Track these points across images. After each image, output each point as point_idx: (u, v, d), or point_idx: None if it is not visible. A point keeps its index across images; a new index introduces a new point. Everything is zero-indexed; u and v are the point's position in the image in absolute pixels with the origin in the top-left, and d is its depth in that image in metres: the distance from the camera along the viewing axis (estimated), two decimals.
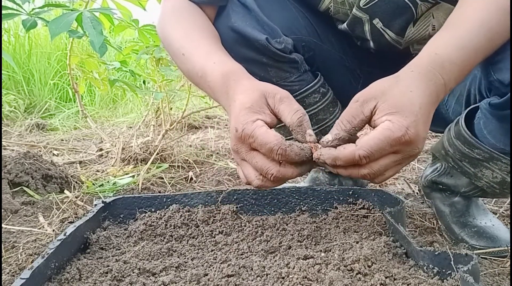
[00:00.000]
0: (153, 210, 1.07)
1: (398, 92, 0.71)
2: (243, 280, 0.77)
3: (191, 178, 1.64)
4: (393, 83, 0.72)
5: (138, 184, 1.48)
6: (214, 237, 0.97)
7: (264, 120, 0.76)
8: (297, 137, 0.77)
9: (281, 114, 0.77)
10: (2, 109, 2.86)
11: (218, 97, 0.86)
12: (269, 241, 0.93)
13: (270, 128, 0.76)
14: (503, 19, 0.76)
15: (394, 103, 0.70)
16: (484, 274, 0.91)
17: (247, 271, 0.80)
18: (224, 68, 0.85)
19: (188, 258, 0.87)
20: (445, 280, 0.73)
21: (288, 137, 0.81)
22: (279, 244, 0.91)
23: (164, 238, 0.97)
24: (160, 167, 1.70)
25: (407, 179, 1.58)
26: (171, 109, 2.24)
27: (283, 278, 0.76)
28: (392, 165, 0.72)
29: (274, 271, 0.78)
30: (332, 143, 0.74)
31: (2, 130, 2.53)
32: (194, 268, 0.81)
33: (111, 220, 1.05)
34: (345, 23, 1.07)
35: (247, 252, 0.89)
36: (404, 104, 0.70)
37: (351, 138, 0.74)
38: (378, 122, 0.71)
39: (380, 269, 0.78)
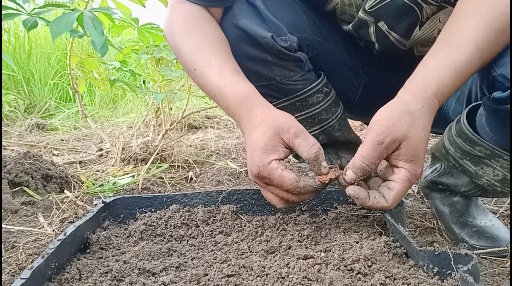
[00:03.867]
0: (153, 210, 1.07)
1: (417, 138, 0.80)
2: (243, 280, 0.77)
3: (191, 178, 1.64)
4: (410, 124, 0.79)
5: (138, 184, 1.48)
6: (214, 237, 0.97)
7: (279, 158, 0.84)
8: (313, 169, 0.85)
9: (297, 148, 0.84)
10: (2, 109, 2.86)
11: (232, 117, 0.93)
12: (269, 241, 0.93)
13: (285, 158, 0.85)
14: (493, 38, 0.80)
15: (412, 152, 0.80)
16: (484, 274, 0.91)
17: (247, 271, 0.80)
18: (236, 93, 0.89)
19: (188, 258, 0.87)
20: (445, 280, 0.73)
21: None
22: (279, 244, 0.91)
23: (164, 238, 0.97)
24: (160, 167, 1.70)
25: None
26: (171, 109, 2.24)
27: (283, 278, 0.76)
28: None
29: (274, 271, 0.77)
30: (356, 181, 0.83)
31: (2, 130, 2.53)
32: (194, 268, 0.81)
33: (111, 220, 1.05)
34: (350, 25, 1.07)
35: (247, 252, 0.89)
36: (419, 153, 0.80)
37: None
38: (394, 163, 0.82)
39: (380, 269, 0.77)
